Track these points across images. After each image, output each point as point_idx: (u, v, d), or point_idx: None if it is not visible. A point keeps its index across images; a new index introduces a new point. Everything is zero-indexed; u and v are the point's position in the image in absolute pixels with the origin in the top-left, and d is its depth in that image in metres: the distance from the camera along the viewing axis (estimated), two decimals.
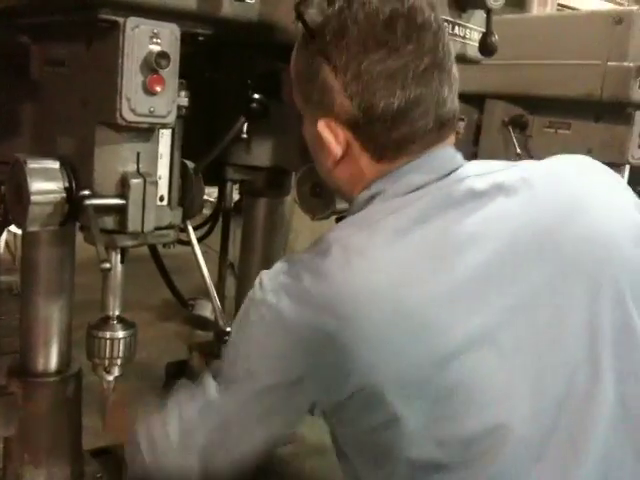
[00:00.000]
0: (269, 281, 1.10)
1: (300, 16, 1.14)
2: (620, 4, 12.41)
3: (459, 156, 1.18)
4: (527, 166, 1.18)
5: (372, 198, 1.15)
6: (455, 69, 1.16)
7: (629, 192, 1.20)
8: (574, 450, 1.02)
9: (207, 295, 1.67)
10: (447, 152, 1.17)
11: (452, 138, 1.19)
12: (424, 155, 1.14)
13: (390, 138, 1.12)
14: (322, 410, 1.12)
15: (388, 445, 1.05)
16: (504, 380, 1.03)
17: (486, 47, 1.56)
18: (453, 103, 1.15)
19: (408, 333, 1.00)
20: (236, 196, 2.21)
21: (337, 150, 1.16)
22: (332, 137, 1.15)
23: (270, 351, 1.09)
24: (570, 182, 1.16)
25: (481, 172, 1.14)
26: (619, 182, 1.22)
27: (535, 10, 2.95)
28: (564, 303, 1.06)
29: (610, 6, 11.94)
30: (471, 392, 1.02)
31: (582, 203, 1.13)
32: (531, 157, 2.71)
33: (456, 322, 1.01)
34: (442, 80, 1.12)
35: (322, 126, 1.15)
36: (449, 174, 1.13)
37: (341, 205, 1.60)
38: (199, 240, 1.68)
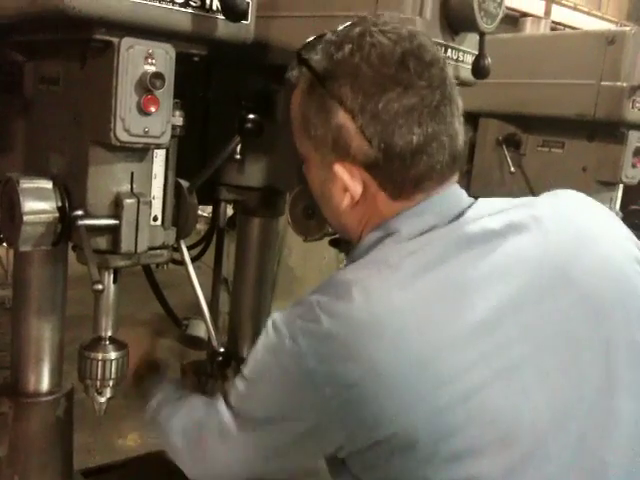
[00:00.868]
0: (285, 326, 1.08)
1: (305, 62, 1.15)
2: (613, 22, 12.53)
3: (465, 194, 1.20)
4: (533, 203, 1.20)
5: (384, 238, 1.14)
6: (460, 101, 1.17)
7: (621, 224, 1.24)
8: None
9: (201, 314, 1.66)
10: (457, 191, 1.18)
11: (457, 174, 1.20)
12: (436, 194, 1.15)
13: (409, 175, 1.12)
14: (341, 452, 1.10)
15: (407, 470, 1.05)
16: (529, 416, 1.03)
17: (479, 70, 1.57)
18: (462, 136, 1.16)
19: (434, 375, 1.00)
20: (230, 211, 2.21)
21: (357, 191, 1.15)
22: (350, 178, 1.15)
23: (290, 399, 1.08)
24: (575, 217, 1.19)
25: (492, 212, 1.15)
26: (612, 216, 1.26)
27: (529, 29, 2.96)
28: (581, 334, 1.08)
29: (603, 24, 12.07)
30: (498, 428, 1.01)
31: (589, 236, 1.16)
32: (525, 176, 2.71)
33: (479, 361, 1.01)
34: (453, 113, 1.13)
35: (340, 170, 1.15)
36: (462, 214, 1.14)
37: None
38: (193, 260, 1.68)
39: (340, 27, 1.17)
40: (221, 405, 1.19)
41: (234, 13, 1.23)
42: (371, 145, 1.10)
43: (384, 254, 1.12)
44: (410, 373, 0.99)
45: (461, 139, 1.15)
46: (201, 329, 2.07)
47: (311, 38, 1.19)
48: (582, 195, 1.24)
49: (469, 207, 1.16)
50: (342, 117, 1.12)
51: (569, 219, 1.18)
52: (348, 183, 1.15)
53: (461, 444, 1.00)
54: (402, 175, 1.12)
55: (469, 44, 1.59)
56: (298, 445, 1.11)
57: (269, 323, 1.11)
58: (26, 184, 1.26)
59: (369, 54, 1.10)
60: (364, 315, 1.02)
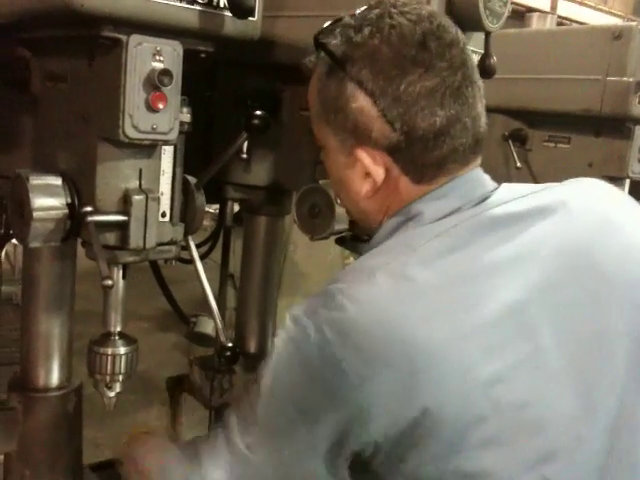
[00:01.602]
0: (307, 317, 1.03)
1: (323, 46, 1.14)
2: (620, 16, 12.49)
3: (489, 179, 1.18)
4: (558, 188, 1.18)
5: (406, 222, 1.13)
6: (481, 82, 1.16)
7: None
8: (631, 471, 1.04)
9: (208, 311, 1.67)
10: (480, 174, 1.17)
11: (480, 158, 1.19)
12: (461, 177, 1.13)
13: (432, 158, 1.11)
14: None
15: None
16: (558, 404, 1.02)
17: (485, 69, 1.57)
18: (484, 117, 1.15)
19: (460, 358, 0.98)
20: (236, 207, 2.22)
21: (379, 174, 1.14)
22: (372, 163, 1.13)
23: (315, 396, 1.02)
24: (600, 203, 1.17)
25: (517, 196, 1.14)
26: (635, 203, 1.23)
27: (535, 25, 2.96)
28: (605, 319, 1.07)
29: (611, 18, 12.03)
30: (525, 416, 1.00)
31: (614, 222, 1.15)
32: (531, 171, 2.71)
33: (504, 345, 1.00)
34: (475, 95, 1.12)
35: (361, 153, 1.13)
36: (485, 197, 1.13)
37: (339, 226, 1.61)
38: (201, 258, 1.69)
39: (358, 10, 1.15)
40: (231, 428, 1.11)
41: (241, 10, 1.23)
42: (393, 128, 1.09)
43: (407, 238, 1.10)
44: (437, 355, 0.97)
45: (483, 121, 1.14)
46: (209, 326, 2.08)
47: (328, 22, 1.17)
48: (607, 184, 1.23)
49: (493, 191, 1.15)
50: (362, 101, 1.10)
51: (594, 204, 1.16)
52: (370, 168, 1.13)
53: (488, 432, 0.98)
54: (425, 158, 1.11)
55: (475, 43, 1.60)
56: (326, 448, 1.04)
57: (288, 319, 1.06)
58: (35, 181, 1.27)
59: (389, 35, 1.08)
60: (390, 298, 1.00)
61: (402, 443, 0.99)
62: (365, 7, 1.15)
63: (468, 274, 1.03)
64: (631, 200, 1.23)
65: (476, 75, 1.14)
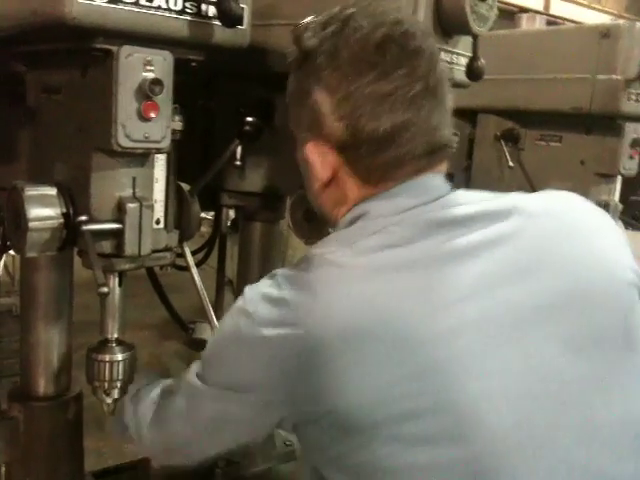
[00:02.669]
0: (250, 291, 1.12)
1: (296, 39, 1.16)
2: (613, 14, 12.51)
3: (448, 185, 1.17)
4: (517, 196, 1.17)
5: (356, 219, 1.14)
6: (449, 98, 1.15)
7: (617, 230, 1.20)
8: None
9: (206, 318, 1.68)
10: (435, 179, 1.16)
11: (444, 167, 1.18)
12: (410, 180, 1.13)
13: (377, 162, 1.12)
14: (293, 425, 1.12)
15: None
16: (490, 407, 0.99)
17: (473, 71, 1.59)
18: (445, 131, 1.14)
19: (386, 349, 0.97)
20: (233, 214, 2.24)
21: (323, 173, 1.17)
22: (319, 160, 1.16)
23: (243, 362, 1.10)
24: (563, 212, 1.16)
25: (471, 201, 1.13)
26: (609, 220, 1.22)
27: (525, 25, 2.98)
28: (552, 328, 1.04)
29: (603, 16, 12.05)
30: (453, 414, 0.98)
31: (576, 230, 1.14)
32: (524, 170, 2.73)
33: (439, 339, 0.99)
34: (432, 107, 1.11)
35: (310, 149, 1.16)
36: (435, 199, 1.12)
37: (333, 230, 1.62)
38: (197, 265, 1.70)
39: (336, 8, 1.17)
40: (192, 371, 1.23)
41: (230, 19, 1.25)
42: (341, 125, 1.11)
43: (349, 232, 1.13)
44: (359, 343, 0.98)
45: (443, 133, 1.13)
46: (208, 332, 2.09)
47: (308, 18, 1.20)
48: (577, 196, 1.21)
49: (446, 195, 1.14)
50: (318, 95, 1.13)
51: (555, 212, 1.15)
52: (317, 163, 1.16)
53: (423, 427, 0.97)
54: (370, 161, 1.12)
55: (463, 46, 1.62)
56: (247, 412, 1.13)
57: (241, 293, 1.14)
58: (31, 191, 1.28)
59: (349, 35, 1.10)
60: (318, 284, 1.03)
61: (313, 434, 1.07)
62: (341, 6, 1.16)
63: (402, 267, 1.03)
64: (602, 213, 1.21)
65: (441, 87, 1.13)
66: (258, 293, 1.10)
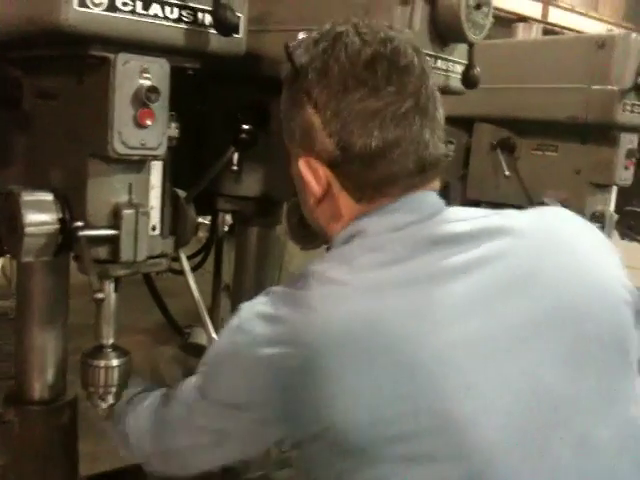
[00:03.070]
0: (246, 310, 1.12)
1: (289, 55, 1.17)
2: (610, 23, 12.56)
3: (442, 202, 1.17)
4: (511, 213, 1.17)
5: (352, 237, 1.14)
6: (440, 115, 1.15)
7: (613, 251, 1.19)
8: None
9: (202, 322, 1.69)
10: (429, 196, 1.16)
11: (436, 184, 1.18)
12: (405, 197, 1.13)
13: (369, 178, 1.12)
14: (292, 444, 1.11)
15: None
16: (488, 424, 0.99)
17: (469, 79, 1.60)
18: (436, 148, 1.14)
19: (383, 367, 0.97)
20: (230, 219, 2.24)
21: (317, 189, 1.17)
22: (312, 176, 1.16)
23: (240, 381, 1.10)
24: (556, 229, 1.16)
25: (465, 218, 1.13)
26: (602, 239, 1.21)
27: (521, 34, 2.99)
28: (545, 344, 1.04)
29: (600, 25, 12.09)
30: (449, 435, 0.98)
31: (564, 242, 1.14)
32: (520, 178, 2.74)
33: (432, 358, 0.98)
34: (424, 124, 1.11)
35: (303, 164, 1.17)
36: (430, 217, 1.12)
37: None
38: (193, 269, 1.71)
39: (327, 26, 1.18)
40: (192, 384, 1.24)
41: (226, 27, 1.26)
42: (332, 142, 1.11)
43: (347, 250, 1.13)
44: (355, 362, 0.98)
45: (433, 150, 1.13)
46: (203, 337, 2.10)
47: (302, 34, 1.21)
48: (569, 212, 1.21)
49: (440, 212, 1.14)
50: (309, 112, 1.13)
51: (548, 230, 1.15)
52: (310, 179, 1.16)
53: (410, 447, 0.97)
54: (362, 177, 1.12)
55: (459, 54, 1.63)
56: (244, 429, 1.14)
57: (236, 310, 1.14)
58: (27, 197, 1.29)
59: (339, 52, 1.11)
60: (316, 301, 1.03)
61: (310, 453, 1.06)
62: (333, 23, 1.17)
63: (400, 285, 1.03)
64: (590, 227, 1.21)
65: (431, 104, 1.13)
66: (254, 311, 1.10)
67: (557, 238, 1.14)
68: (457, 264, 1.05)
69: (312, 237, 1.65)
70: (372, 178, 1.12)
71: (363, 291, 1.03)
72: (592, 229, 1.20)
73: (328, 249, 1.26)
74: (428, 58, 1.19)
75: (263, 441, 1.17)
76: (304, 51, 1.15)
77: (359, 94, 1.09)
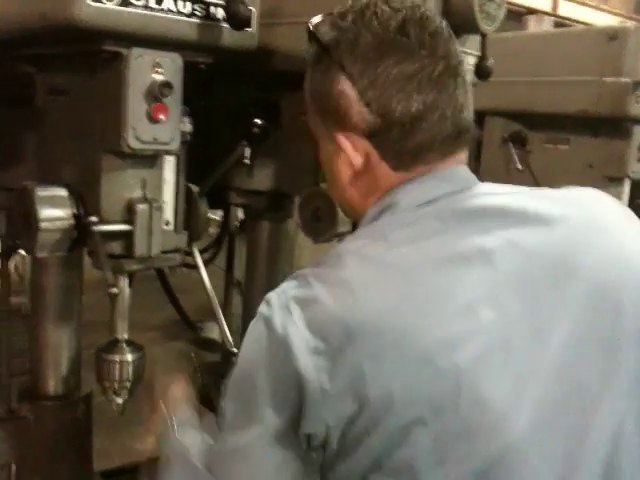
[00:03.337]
0: (277, 297, 1.06)
1: (313, 35, 1.16)
2: (621, 15, 12.49)
3: (474, 176, 1.16)
4: (546, 194, 1.16)
5: (384, 211, 1.13)
6: (469, 78, 1.15)
7: None
8: None
9: (214, 317, 1.69)
10: (462, 169, 1.15)
11: (465, 154, 1.17)
12: (440, 167, 1.12)
13: (408, 144, 1.10)
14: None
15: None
16: (520, 407, 0.98)
17: (481, 70, 1.60)
18: (469, 110, 1.13)
19: (417, 348, 0.97)
20: (242, 215, 2.25)
21: (357, 160, 1.14)
22: (351, 147, 1.13)
23: (281, 377, 1.03)
24: (588, 208, 1.14)
25: (499, 192, 1.13)
26: (633, 219, 1.17)
27: (532, 26, 2.98)
28: (582, 327, 1.03)
29: (611, 18, 12.03)
30: (482, 415, 0.97)
31: (600, 226, 1.11)
32: (532, 172, 2.73)
33: (469, 338, 0.98)
34: (457, 86, 1.11)
35: (341, 138, 1.14)
36: (464, 189, 1.11)
37: (342, 228, 1.63)
38: (205, 264, 1.71)
39: (349, 2, 1.17)
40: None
41: (238, 21, 1.26)
42: (370, 111, 1.09)
43: (380, 225, 1.11)
44: (392, 341, 0.96)
45: (467, 113, 1.12)
46: (215, 331, 2.11)
47: (316, 17, 1.19)
48: (611, 198, 1.18)
49: (475, 185, 1.13)
50: (343, 83, 1.11)
51: (581, 211, 1.13)
52: (350, 153, 1.14)
53: (448, 425, 0.96)
54: (402, 143, 1.10)
55: (471, 45, 1.62)
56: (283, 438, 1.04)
57: (264, 300, 1.08)
58: (42, 192, 1.29)
59: (370, 21, 1.10)
60: (354, 281, 1.01)
61: (351, 429, 1.00)
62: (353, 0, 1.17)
63: (435, 262, 1.02)
64: (625, 209, 1.18)
65: (461, 68, 1.13)
66: (287, 297, 1.04)
67: (595, 223, 1.12)
68: (490, 244, 1.03)
69: (324, 230, 1.65)
70: (412, 143, 1.10)
71: (398, 269, 1.02)
72: (628, 213, 1.18)
73: (354, 227, 1.23)
74: (447, 25, 1.17)
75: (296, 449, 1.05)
76: (330, 27, 1.14)
77: (394, 59, 1.08)
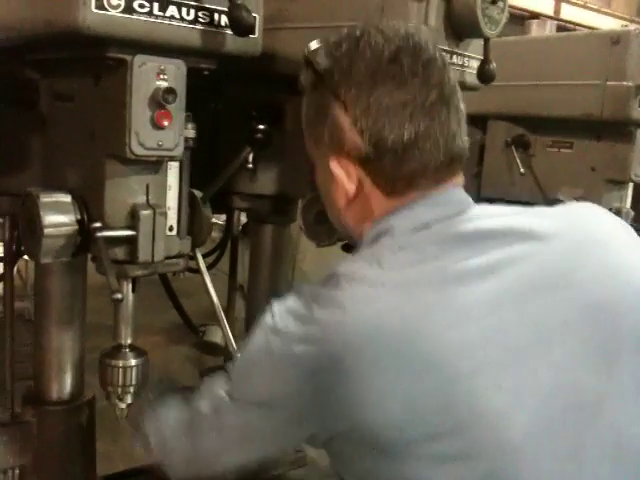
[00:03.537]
0: (279, 308, 1.12)
1: (308, 62, 1.18)
2: (624, 19, 12.49)
3: (469, 198, 1.18)
4: (543, 212, 1.17)
5: (380, 236, 1.14)
6: (462, 106, 1.16)
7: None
8: None
9: (217, 321, 1.70)
10: (457, 192, 1.17)
11: (461, 178, 1.18)
12: (434, 192, 1.14)
13: (401, 171, 1.12)
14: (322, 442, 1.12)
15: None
16: (521, 421, 0.99)
17: (484, 74, 1.60)
18: (462, 139, 1.15)
19: (414, 366, 0.98)
20: (244, 219, 2.25)
21: (350, 187, 1.16)
22: (344, 175, 1.16)
23: (273, 379, 1.11)
24: (586, 224, 1.16)
25: (493, 214, 1.14)
26: (636, 237, 1.20)
27: (535, 30, 2.99)
28: (580, 340, 1.04)
29: (613, 21, 12.02)
30: (479, 429, 0.98)
31: (597, 239, 1.13)
32: (535, 176, 2.73)
33: (463, 351, 0.99)
34: (450, 115, 1.12)
35: (334, 164, 1.16)
36: (458, 213, 1.13)
37: None
38: (208, 268, 1.71)
39: (345, 30, 1.19)
40: (219, 384, 1.23)
41: (241, 28, 1.26)
42: (363, 139, 1.11)
43: (375, 251, 1.12)
44: (386, 361, 0.98)
45: (460, 141, 1.14)
46: (217, 335, 2.11)
47: (314, 43, 1.21)
48: (600, 209, 1.21)
49: (468, 209, 1.15)
50: (337, 111, 1.13)
51: (583, 228, 1.15)
52: (342, 180, 1.16)
53: (445, 446, 0.98)
54: (394, 171, 1.12)
55: (474, 49, 1.63)
56: (277, 428, 1.14)
57: (268, 309, 1.14)
58: (45, 198, 1.30)
59: (364, 50, 1.12)
60: (347, 301, 1.03)
61: (343, 450, 1.06)
62: (350, 27, 1.18)
63: (430, 283, 1.04)
64: (624, 224, 1.20)
65: (455, 96, 1.14)
66: (287, 310, 1.10)
67: (592, 237, 1.14)
68: (487, 262, 1.05)
69: (327, 234, 1.66)
70: (404, 171, 1.12)
71: (393, 290, 1.03)
72: (626, 227, 1.20)
73: (347, 249, 1.25)
74: (444, 54, 1.19)
75: (295, 437, 1.18)
76: (325, 55, 1.16)
77: (387, 87, 1.10)
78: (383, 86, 1.10)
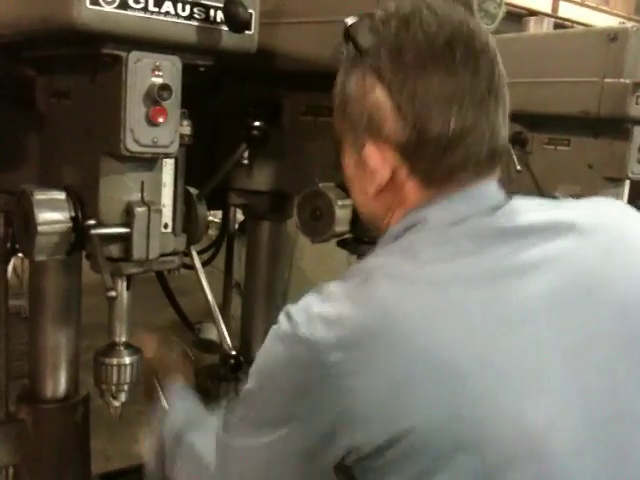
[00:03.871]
0: (299, 313, 1.00)
1: (351, 37, 1.11)
2: (622, 17, 12.49)
3: (503, 193, 1.13)
4: (574, 206, 1.15)
5: (411, 227, 1.09)
6: (507, 99, 1.11)
7: None
8: None
9: (213, 318, 1.69)
10: (492, 187, 1.11)
11: (498, 173, 1.13)
12: (473, 186, 1.08)
13: (442, 164, 1.06)
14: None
15: None
16: (558, 427, 0.96)
17: None
18: (506, 131, 1.10)
19: (459, 366, 0.94)
20: (241, 216, 2.25)
21: (383, 174, 1.10)
22: (379, 160, 1.09)
23: (295, 394, 1.00)
24: (615, 220, 1.13)
25: (531, 209, 1.10)
26: None
27: (532, 28, 2.97)
28: (616, 344, 1.02)
29: (611, 19, 12.03)
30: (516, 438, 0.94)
31: (629, 239, 1.11)
32: (532, 174, 2.73)
33: (502, 358, 0.95)
34: (497, 108, 1.07)
35: (370, 149, 1.10)
36: (496, 208, 1.08)
37: (340, 228, 1.63)
38: (204, 264, 1.71)
39: (391, 5, 1.11)
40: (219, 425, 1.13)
41: (237, 24, 1.26)
42: (406, 125, 1.05)
43: (408, 243, 1.07)
44: (425, 365, 0.93)
45: (503, 136, 1.09)
46: (213, 333, 2.11)
47: (350, 19, 1.14)
48: (622, 203, 1.20)
49: (504, 203, 1.09)
50: (379, 93, 1.07)
51: (613, 226, 1.12)
52: (376, 165, 1.09)
53: (481, 456, 0.93)
54: (435, 162, 1.06)
55: None
56: (305, 453, 1.01)
57: (281, 313, 1.03)
58: (40, 195, 1.29)
59: (416, 33, 1.05)
60: (387, 300, 0.96)
61: (383, 455, 0.95)
62: (397, 3, 1.11)
63: (469, 280, 0.99)
64: None
65: (503, 89, 1.09)
66: (311, 314, 0.99)
67: (623, 235, 1.11)
68: (526, 260, 1.02)
69: (323, 230, 1.65)
70: (445, 164, 1.06)
71: (432, 286, 0.98)
72: None
73: (343, 245, 1.22)
74: (495, 43, 1.12)
75: (329, 457, 1.01)
76: (369, 31, 1.09)
77: (437, 77, 1.04)
78: (433, 73, 1.04)
